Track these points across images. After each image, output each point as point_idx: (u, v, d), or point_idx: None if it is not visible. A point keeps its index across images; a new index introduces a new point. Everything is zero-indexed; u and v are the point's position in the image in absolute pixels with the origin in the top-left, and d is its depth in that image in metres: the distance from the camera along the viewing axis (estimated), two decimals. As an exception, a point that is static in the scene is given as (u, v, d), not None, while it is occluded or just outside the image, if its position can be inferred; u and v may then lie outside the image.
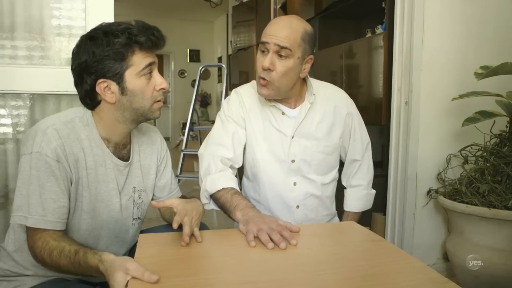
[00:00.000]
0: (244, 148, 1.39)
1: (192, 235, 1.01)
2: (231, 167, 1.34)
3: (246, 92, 1.41)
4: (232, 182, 1.26)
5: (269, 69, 1.23)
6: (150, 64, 1.06)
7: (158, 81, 1.08)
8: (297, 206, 1.39)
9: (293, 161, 1.36)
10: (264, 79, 1.25)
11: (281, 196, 1.38)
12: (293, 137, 1.35)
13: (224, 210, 1.23)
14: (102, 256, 0.89)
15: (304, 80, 1.39)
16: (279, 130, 1.36)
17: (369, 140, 1.52)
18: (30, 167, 0.98)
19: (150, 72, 1.07)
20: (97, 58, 1.01)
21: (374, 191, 1.54)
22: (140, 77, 1.05)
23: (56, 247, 0.95)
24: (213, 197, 1.26)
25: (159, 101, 1.10)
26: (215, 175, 1.27)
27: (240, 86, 1.46)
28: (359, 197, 1.51)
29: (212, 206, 1.28)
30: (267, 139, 1.36)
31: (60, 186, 1.00)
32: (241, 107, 1.38)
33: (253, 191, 1.43)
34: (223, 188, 1.23)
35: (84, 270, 0.93)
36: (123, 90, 1.04)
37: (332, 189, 1.47)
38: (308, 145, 1.37)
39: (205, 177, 1.29)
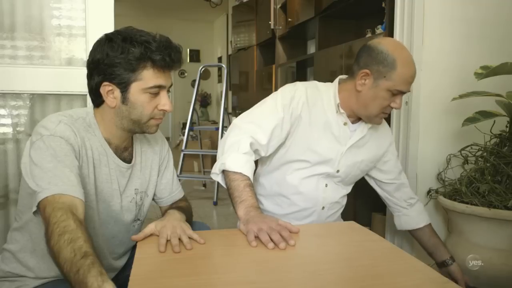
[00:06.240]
0: (283, 143, 1.36)
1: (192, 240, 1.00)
2: (257, 152, 1.30)
3: (313, 94, 1.38)
4: (251, 172, 1.23)
5: None
6: (160, 87, 1.04)
7: (163, 101, 1.06)
8: (323, 207, 1.44)
9: (338, 171, 1.41)
10: (386, 113, 1.33)
11: (312, 193, 1.41)
12: (347, 149, 1.39)
13: (230, 194, 1.21)
14: (104, 284, 0.74)
15: None
16: (337, 138, 1.38)
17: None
18: (47, 147, 0.95)
19: (157, 93, 1.05)
20: (109, 61, 1.00)
21: None
22: (145, 93, 1.03)
23: (71, 232, 0.82)
24: (226, 173, 1.23)
25: (157, 118, 1.09)
26: (240, 156, 1.22)
27: (307, 83, 1.41)
28: (422, 209, 1.65)
29: (219, 178, 1.26)
30: (320, 142, 1.36)
31: (75, 163, 0.98)
32: (302, 105, 1.34)
33: (278, 185, 1.42)
34: (240, 173, 1.20)
35: (75, 279, 0.75)
36: (124, 100, 1.04)
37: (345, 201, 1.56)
38: (355, 161, 1.43)
39: (228, 150, 1.24)
